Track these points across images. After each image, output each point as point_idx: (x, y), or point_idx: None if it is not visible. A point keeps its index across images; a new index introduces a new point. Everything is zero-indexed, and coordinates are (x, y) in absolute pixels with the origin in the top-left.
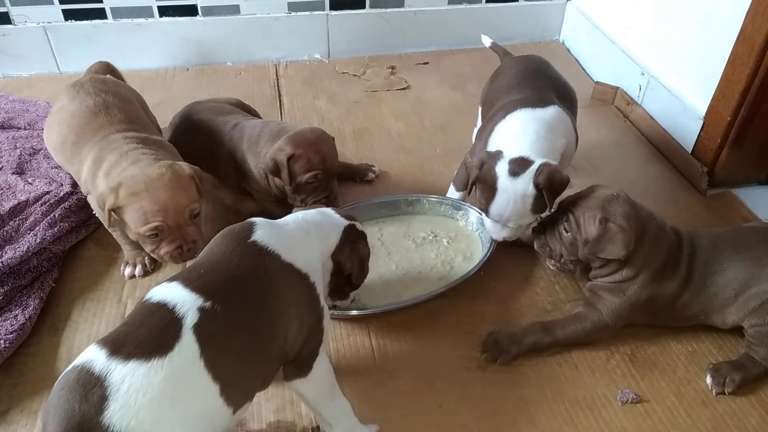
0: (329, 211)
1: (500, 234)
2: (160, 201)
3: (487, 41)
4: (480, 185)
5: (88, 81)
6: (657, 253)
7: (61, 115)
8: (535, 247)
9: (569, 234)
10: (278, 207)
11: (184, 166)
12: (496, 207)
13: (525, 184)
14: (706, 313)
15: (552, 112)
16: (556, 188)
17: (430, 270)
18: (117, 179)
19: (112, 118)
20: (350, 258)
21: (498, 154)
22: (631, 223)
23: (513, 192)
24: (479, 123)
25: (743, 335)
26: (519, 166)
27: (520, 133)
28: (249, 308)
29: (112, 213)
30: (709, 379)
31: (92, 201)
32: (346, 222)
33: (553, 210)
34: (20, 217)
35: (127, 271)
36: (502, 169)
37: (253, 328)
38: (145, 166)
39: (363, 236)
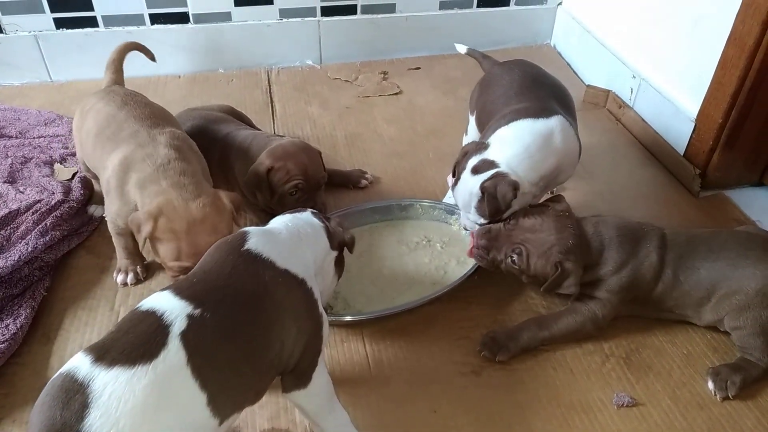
0: (296, 213)
1: (463, 221)
2: (198, 245)
3: (461, 49)
4: (456, 170)
5: (117, 87)
6: (613, 255)
7: (90, 114)
8: (474, 244)
9: (517, 266)
10: (268, 219)
11: (225, 202)
12: (456, 193)
13: (475, 183)
14: (680, 308)
15: (554, 123)
16: (496, 199)
17: (423, 275)
18: (156, 205)
19: (137, 112)
20: (345, 231)
21: (479, 149)
22: (580, 258)
23: (466, 186)
24: (470, 131)
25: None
26: (482, 166)
27: (510, 142)
28: (241, 316)
29: (148, 239)
30: (710, 384)
31: (109, 205)
32: (308, 210)
33: (490, 219)
34: (11, 226)
35: (120, 278)
36: (471, 163)
37: (246, 337)
38: (188, 197)
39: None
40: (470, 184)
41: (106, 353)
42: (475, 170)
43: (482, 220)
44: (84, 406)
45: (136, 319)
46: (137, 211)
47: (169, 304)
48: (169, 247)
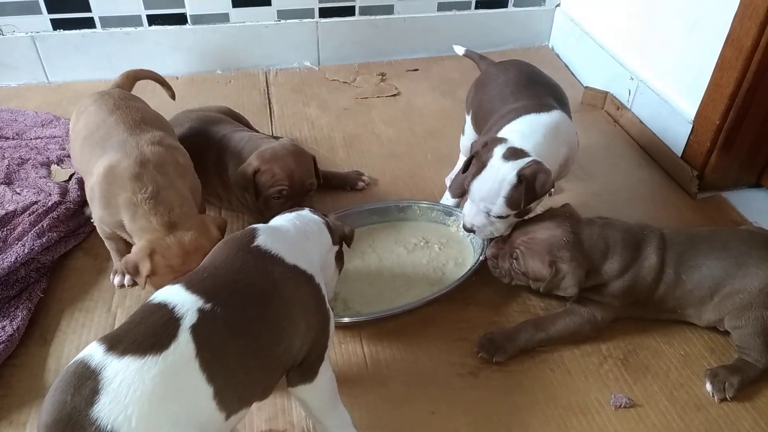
0: (297, 211)
1: (471, 220)
2: None
3: (459, 50)
4: (475, 160)
5: (116, 90)
6: (617, 260)
7: (83, 116)
8: (488, 256)
9: (519, 271)
10: (265, 220)
11: (213, 229)
12: (477, 182)
13: (510, 170)
14: (683, 307)
15: (557, 116)
16: (535, 187)
17: (421, 276)
18: (149, 244)
19: (127, 118)
20: (344, 225)
21: (503, 140)
22: (579, 257)
23: (497, 172)
24: (467, 131)
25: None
26: (514, 154)
27: (529, 134)
28: (251, 312)
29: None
30: (708, 386)
31: (94, 211)
32: (307, 208)
33: (527, 211)
34: (8, 227)
35: (117, 279)
36: (499, 151)
37: (255, 332)
38: (180, 233)
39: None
40: (503, 171)
41: (118, 343)
42: (506, 157)
43: (507, 211)
44: (94, 392)
45: (148, 311)
46: (129, 254)
47: (180, 298)
48: (169, 280)
